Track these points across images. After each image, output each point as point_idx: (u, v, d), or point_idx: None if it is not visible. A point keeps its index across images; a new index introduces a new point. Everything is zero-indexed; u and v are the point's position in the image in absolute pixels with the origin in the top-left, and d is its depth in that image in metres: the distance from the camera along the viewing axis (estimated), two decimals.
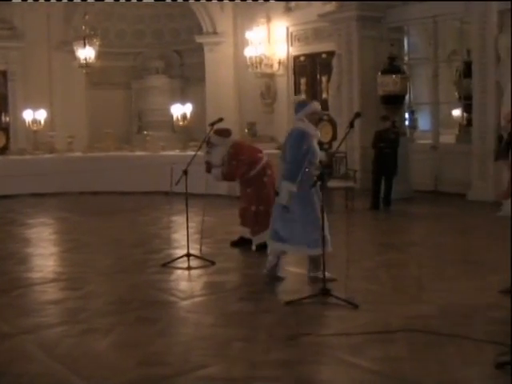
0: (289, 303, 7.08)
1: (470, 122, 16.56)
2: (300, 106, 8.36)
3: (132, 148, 19.37)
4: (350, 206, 13.52)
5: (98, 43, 20.09)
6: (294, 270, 8.83)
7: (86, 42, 19.86)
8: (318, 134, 8.21)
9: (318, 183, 7.41)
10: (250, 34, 19.88)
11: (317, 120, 8.27)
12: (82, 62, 20.00)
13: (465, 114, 17.94)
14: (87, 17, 20.25)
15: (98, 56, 20.11)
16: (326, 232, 7.71)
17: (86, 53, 19.91)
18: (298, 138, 7.97)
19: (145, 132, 21.15)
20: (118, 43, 22.72)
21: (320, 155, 8.12)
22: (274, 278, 8.25)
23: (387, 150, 13.99)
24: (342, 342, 5.95)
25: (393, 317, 6.64)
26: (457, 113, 19.48)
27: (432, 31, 17.03)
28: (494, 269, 8.35)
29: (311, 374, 5.28)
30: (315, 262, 7.98)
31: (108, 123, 20.79)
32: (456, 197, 15.19)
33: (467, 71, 16.26)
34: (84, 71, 20.40)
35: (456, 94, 18.84)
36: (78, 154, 18.84)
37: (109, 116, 21.75)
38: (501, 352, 5.46)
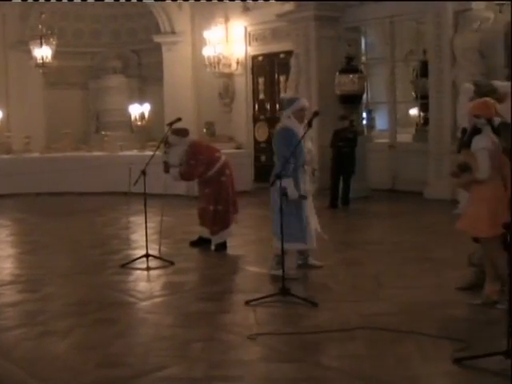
0: (248, 303, 7.09)
1: (426, 121, 16.75)
2: (288, 103, 8.40)
3: (90, 148, 19.25)
4: None
5: (54, 43, 19.85)
6: (253, 270, 8.85)
7: (43, 41, 19.62)
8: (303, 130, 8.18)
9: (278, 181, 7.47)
10: (208, 34, 19.83)
11: (303, 116, 8.17)
12: (39, 61, 19.75)
13: (421, 113, 18.14)
14: (44, 16, 20.00)
15: (55, 55, 19.87)
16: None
17: (43, 52, 19.68)
18: (283, 136, 8.09)
19: (103, 132, 21.02)
20: (75, 43, 22.50)
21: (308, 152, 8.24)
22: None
23: (345, 149, 14.09)
24: (302, 340, 5.98)
25: (352, 314, 6.68)
26: (414, 112, 19.67)
27: (389, 31, 17.16)
28: (452, 266, 8.45)
29: (271, 372, 5.29)
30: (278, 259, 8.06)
31: (65, 123, 20.59)
32: (413, 195, 15.34)
33: (424, 71, 16.44)
34: (41, 71, 20.16)
35: (413, 93, 19.05)
36: (36, 154, 18.68)
37: (66, 116, 21.52)
38: (458, 348, 5.54)
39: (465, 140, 6.87)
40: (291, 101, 8.50)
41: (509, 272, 5.41)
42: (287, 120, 8.20)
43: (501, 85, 8.71)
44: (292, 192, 7.87)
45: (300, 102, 8.31)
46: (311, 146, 8.48)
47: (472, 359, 5.27)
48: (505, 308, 6.30)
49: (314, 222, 8.40)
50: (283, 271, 7.34)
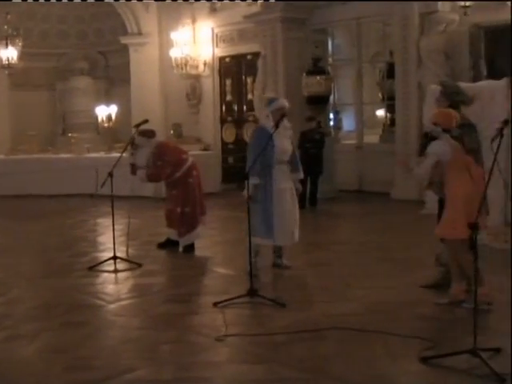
0: (216, 304, 7.09)
1: (393, 122, 16.86)
2: (268, 102, 8.56)
3: (56, 150, 19.14)
4: None
5: (20, 43, 19.72)
6: (221, 271, 8.85)
7: (9, 42, 19.48)
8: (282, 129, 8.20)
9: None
10: (175, 35, 19.80)
11: (280, 116, 8.08)
12: (5, 62, 19.62)
13: (388, 115, 18.26)
14: (9, 16, 19.83)
15: (21, 57, 19.74)
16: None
17: (9, 53, 19.54)
18: (257, 135, 8.29)
19: (69, 134, 20.91)
20: (41, 44, 22.33)
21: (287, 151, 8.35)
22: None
23: (313, 150, 14.13)
24: (270, 341, 5.98)
25: (320, 315, 6.71)
26: (380, 113, 19.80)
27: (356, 33, 17.26)
28: (419, 266, 8.51)
29: (240, 374, 5.29)
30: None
31: (32, 125, 20.46)
32: (380, 195, 15.44)
33: (390, 72, 16.56)
34: (6, 72, 20.02)
35: (379, 94, 19.18)
36: (1, 156, 18.54)
37: (32, 118, 21.34)
38: (426, 347, 5.59)
39: (422, 143, 6.97)
40: (271, 100, 8.67)
41: (474, 271, 5.46)
42: (265, 119, 8.39)
43: (469, 87, 8.81)
44: (250, 189, 7.93)
45: (279, 102, 8.45)
46: (288, 145, 8.46)
47: (439, 358, 5.32)
48: (471, 307, 6.40)
49: (291, 222, 8.39)
50: (251, 267, 7.38)
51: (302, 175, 8.74)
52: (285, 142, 8.34)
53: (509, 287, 6.91)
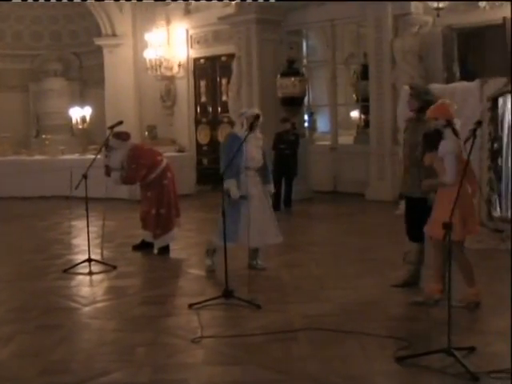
0: (192, 306, 7.09)
1: (367, 123, 16.94)
2: (243, 113, 8.62)
3: (30, 152, 19.01)
4: None
5: None
6: (196, 273, 8.85)
7: None
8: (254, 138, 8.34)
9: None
10: (149, 37, 19.76)
11: (254, 119, 8.24)
12: None
13: (362, 116, 18.34)
14: None
15: None
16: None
17: None
18: (228, 142, 8.37)
19: (43, 136, 20.78)
20: (14, 45, 22.22)
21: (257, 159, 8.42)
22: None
23: (287, 151, 14.14)
24: (245, 342, 6.00)
25: (295, 316, 6.74)
26: (355, 114, 19.87)
27: (330, 34, 17.32)
28: (393, 266, 8.55)
29: (216, 375, 5.30)
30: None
31: (5, 127, 20.31)
32: (355, 196, 15.50)
33: (364, 74, 16.63)
34: None
35: (354, 95, 19.26)
36: None
37: (6, 120, 21.20)
38: (400, 347, 5.63)
39: (426, 142, 6.90)
40: (246, 109, 8.97)
41: (448, 270, 5.51)
42: (238, 126, 8.55)
43: (442, 88, 8.90)
44: (234, 193, 8.17)
45: (250, 111, 8.57)
46: (257, 154, 8.47)
47: (414, 357, 5.37)
48: (461, 305, 6.57)
49: (259, 225, 8.40)
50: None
51: (272, 188, 8.91)
52: (254, 151, 8.39)
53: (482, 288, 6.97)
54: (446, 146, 6.68)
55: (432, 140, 6.74)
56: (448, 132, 6.68)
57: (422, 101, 7.29)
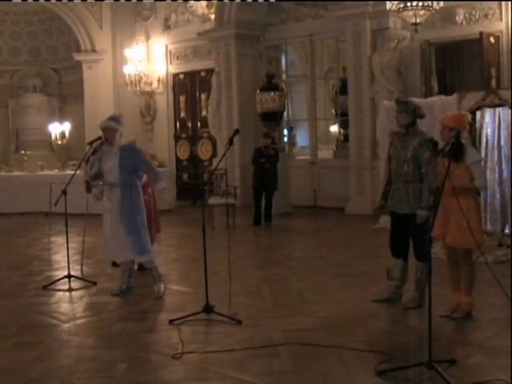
0: (172, 321, 7.06)
1: (346, 137, 17.02)
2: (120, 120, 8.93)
3: (9, 168, 18.93)
4: (231, 222, 13.55)
5: None
6: (176, 288, 8.83)
7: None
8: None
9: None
10: (129, 52, 19.78)
11: (106, 136, 8.62)
12: None
13: (342, 130, 18.42)
14: None
15: None
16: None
17: None
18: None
19: (22, 151, 20.64)
20: None
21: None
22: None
23: (267, 165, 14.16)
24: (226, 358, 5.98)
25: (275, 331, 6.73)
26: (334, 129, 19.96)
27: (309, 49, 17.41)
28: (373, 280, 8.58)
29: None
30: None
31: None
32: (334, 211, 15.54)
33: (343, 88, 16.69)
34: None
35: (333, 110, 19.34)
36: None
37: None
38: (381, 360, 5.63)
39: (446, 151, 6.75)
40: (120, 119, 9.03)
41: (429, 282, 5.52)
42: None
43: (421, 102, 8.95)
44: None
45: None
46: (112, 167, 8.48)
47: (395, 371, 5.37)
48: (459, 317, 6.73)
49: (115, 241, 8.48)
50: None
51: (164, 184, 9.11)
52: (108, 164, 8.43)
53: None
54: (473, 154, 6.79)
55: (458, 150, 6.65)
56: (467, 142, 6.78)
57: (414, 116, 7.28)
